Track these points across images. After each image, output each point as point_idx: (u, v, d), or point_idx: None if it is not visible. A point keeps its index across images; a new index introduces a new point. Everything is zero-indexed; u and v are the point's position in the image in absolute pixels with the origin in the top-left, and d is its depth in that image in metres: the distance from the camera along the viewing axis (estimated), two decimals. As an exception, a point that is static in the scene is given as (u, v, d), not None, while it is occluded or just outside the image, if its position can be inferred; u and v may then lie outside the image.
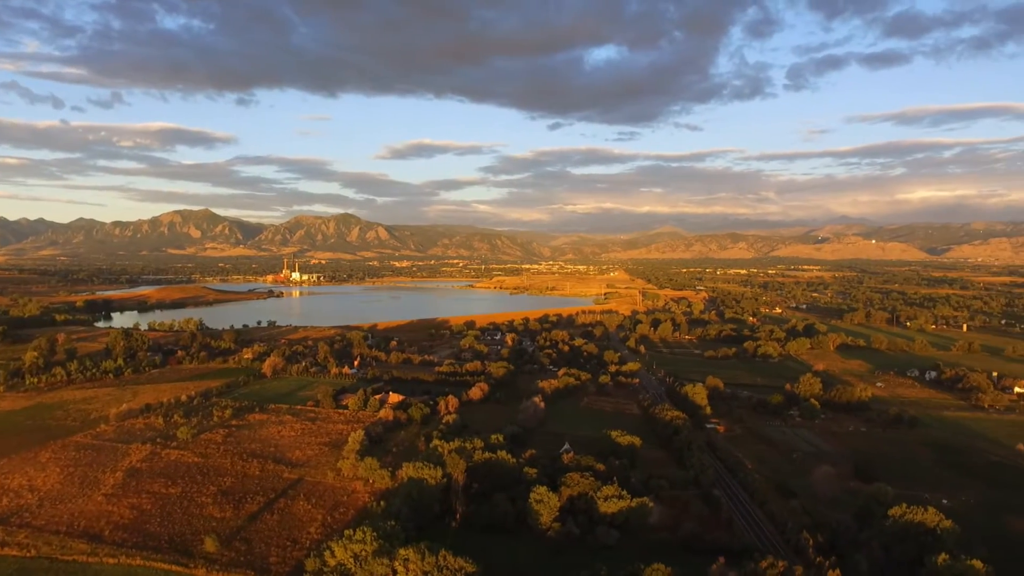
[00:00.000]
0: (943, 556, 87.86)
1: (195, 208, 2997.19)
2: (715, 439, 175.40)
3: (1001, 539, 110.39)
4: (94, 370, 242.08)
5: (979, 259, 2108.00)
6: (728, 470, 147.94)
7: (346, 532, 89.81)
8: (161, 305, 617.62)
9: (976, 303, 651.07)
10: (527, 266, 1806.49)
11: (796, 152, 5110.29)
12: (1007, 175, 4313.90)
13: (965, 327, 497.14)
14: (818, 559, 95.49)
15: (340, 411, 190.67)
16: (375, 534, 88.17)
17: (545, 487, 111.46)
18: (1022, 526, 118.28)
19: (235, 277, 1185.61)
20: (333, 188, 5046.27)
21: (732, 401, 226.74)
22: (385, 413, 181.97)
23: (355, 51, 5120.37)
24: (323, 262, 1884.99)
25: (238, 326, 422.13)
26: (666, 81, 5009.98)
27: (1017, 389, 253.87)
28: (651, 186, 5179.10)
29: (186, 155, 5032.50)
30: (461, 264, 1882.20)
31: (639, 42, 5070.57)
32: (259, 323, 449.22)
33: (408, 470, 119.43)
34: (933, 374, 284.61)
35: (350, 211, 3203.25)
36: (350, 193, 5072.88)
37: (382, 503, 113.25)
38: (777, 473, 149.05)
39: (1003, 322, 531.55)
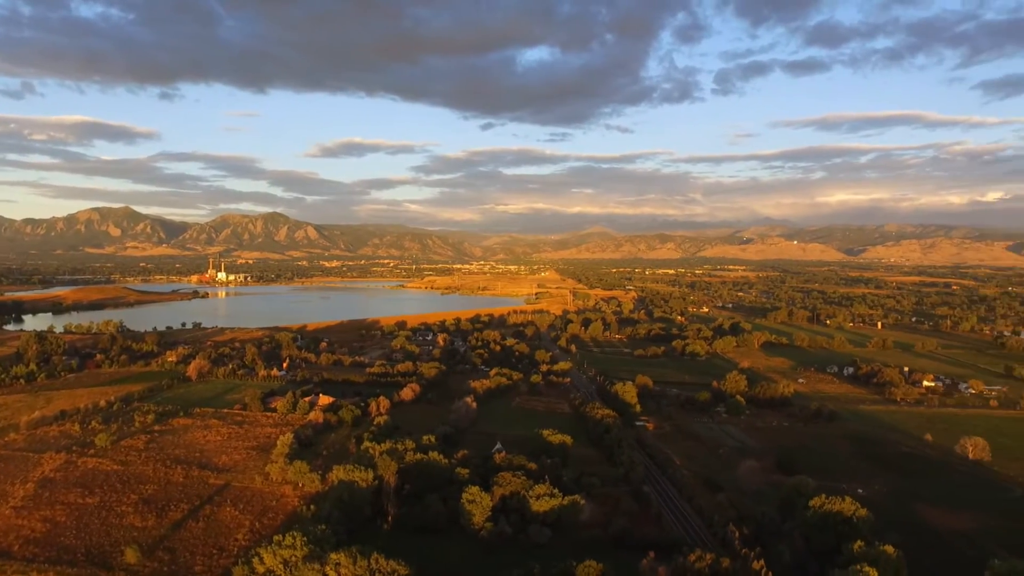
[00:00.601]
0: (859, 543, 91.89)
1: (115, 205, 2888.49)
2: (645, 436, 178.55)
3: (911, 525, 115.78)
4: (3, 376, 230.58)
5: (892, 260, 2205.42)
6: (658, 466, 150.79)
7: (275, 538, 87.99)
8: (78, 307, 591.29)
9: (889, 302, 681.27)
10: (459, 266, 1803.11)
11: (723, 155, 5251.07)
12: (917, 180, 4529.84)
13: (880, 324, 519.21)
14: (744, 550, 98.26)
15: (268, 414, 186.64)
16: (305, 539, 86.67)
17: (477, 487, 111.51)
18: (929, 512, 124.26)
19: (158, 277, 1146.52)
20: (261, 186, 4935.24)
21: (661, 399, 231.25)
22: (315, 415, 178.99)
23: (284, 46, 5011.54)
24: (250, 262, 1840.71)
25: (161, 328, 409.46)
26: (597, 83, 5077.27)
27: (926, 383, 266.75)
28: (582, 187, 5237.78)
29: (105, 150, 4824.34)
30: (392, 264, 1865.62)
31: (571, 44, 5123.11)
32: (184, 325, 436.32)
33: (339, 473, 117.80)
34: (850, 370, 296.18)
35: (279, 210, 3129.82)
36: (279, 191, 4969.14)
37: (312, 507, 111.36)
38: (705, 468, 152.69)
39: (913, 319, 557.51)
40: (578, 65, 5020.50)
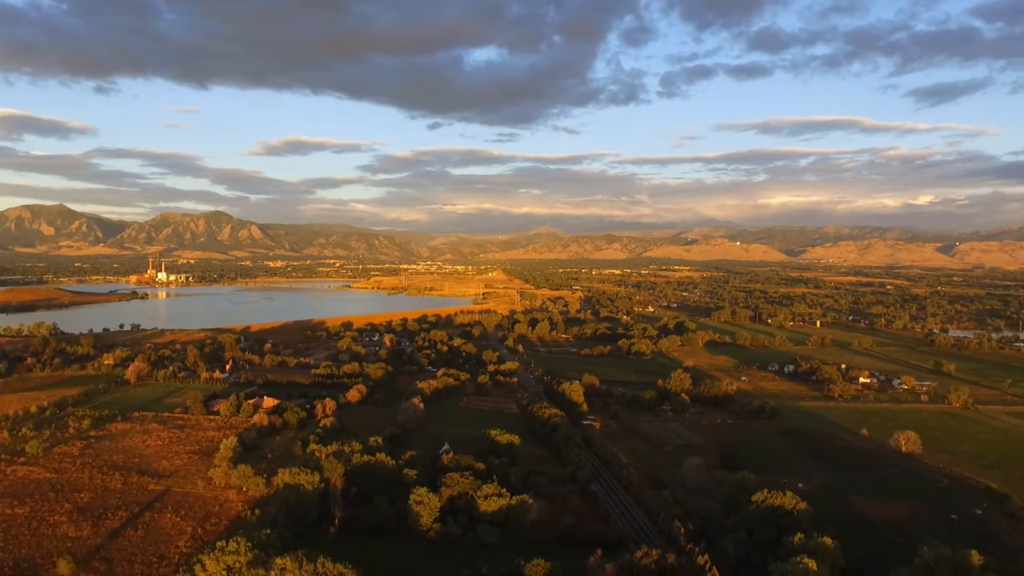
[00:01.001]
0: (799, 536, 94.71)
1: (48, 203, 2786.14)
2: (592, 435, 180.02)
3: (848, 516, 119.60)
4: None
5: (830, 260, 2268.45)
6: (604, 465, 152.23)
7: (218, 544, 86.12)
8: (7, 308, 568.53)
9: (828, 301, 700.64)
10: (405, 266, 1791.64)
11: (668, 157, 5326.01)
12: (853, 183, 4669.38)
13: (819, 323, 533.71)
14: (689, 546, 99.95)
15: (211, 417, 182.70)
16: (249, 544, 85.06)
17: (425, 488, 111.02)
18: (865, 504, 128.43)
19: (94, 278, 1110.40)
20: (203, 184, 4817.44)
21: (608, 398, 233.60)
22: (259, 418, 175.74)
23: (227, 41, 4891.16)
24: (192, 262, 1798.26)
25: (98, 330, 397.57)
26: (545, 84, 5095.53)
27: (862, 380, 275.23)
28: (529, 187, 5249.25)
29: (36, 145, 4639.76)
30: (338, 264, 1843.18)
31: (519, 44, 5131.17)
32: (122, 326, 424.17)
33: (284, 476, 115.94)
34: (791, 367, 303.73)
35: (221, 209, 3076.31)
36: (221, 190, 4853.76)
37: (257, 511, 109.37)
38: (651, 466, 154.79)
39: (850, 318, 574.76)
40: (526, 66, 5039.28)
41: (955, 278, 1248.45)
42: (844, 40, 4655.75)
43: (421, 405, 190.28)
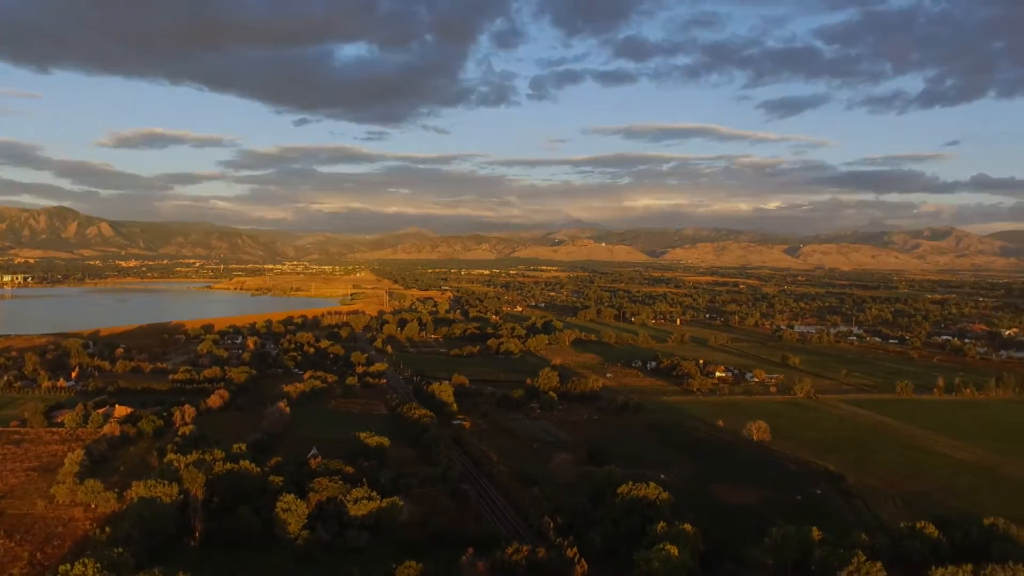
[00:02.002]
0: (661, 524, 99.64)
1: None
2: (462, 435, 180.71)
3: (706, 503, 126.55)
4: None
5: (689, 261, 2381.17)
6: (475, 464, 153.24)
7: (61, 568, 79.94)
8: None
9: (687, 300, 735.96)
10: (270, 266, 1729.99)
11: (537, 159, 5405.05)
12: (711, 188, 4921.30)
13: (679, 321, 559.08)
14: (558, 540, 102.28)
15: (54, 430, 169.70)
16: (98, 565, 79.66)
17: (292, 495, 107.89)
18: (721, 491, 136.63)
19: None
20: (44, 177, 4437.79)
21: (477, 397, 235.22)
22: (110, 428, 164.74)
23: (72, 21, 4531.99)
24: (32, 261, 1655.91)
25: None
26: (416, 83, 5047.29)
27: (718, 374, 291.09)
28: (399, 187, 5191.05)
29: None
30: (198, 264, 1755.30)
31: (391, 42, 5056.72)
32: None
33: (138, 489, 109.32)
34: (653, 364, 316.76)
35: (66, 204, 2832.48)
36: (66, 184, 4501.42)
37: (107, 529, 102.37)
38: (520, 463, 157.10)
39: (707, 316, 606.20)
40: (397, 64, 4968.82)
41: (800, 278, 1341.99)
42: (703, 52, 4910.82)
43: (287, 409, 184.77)
